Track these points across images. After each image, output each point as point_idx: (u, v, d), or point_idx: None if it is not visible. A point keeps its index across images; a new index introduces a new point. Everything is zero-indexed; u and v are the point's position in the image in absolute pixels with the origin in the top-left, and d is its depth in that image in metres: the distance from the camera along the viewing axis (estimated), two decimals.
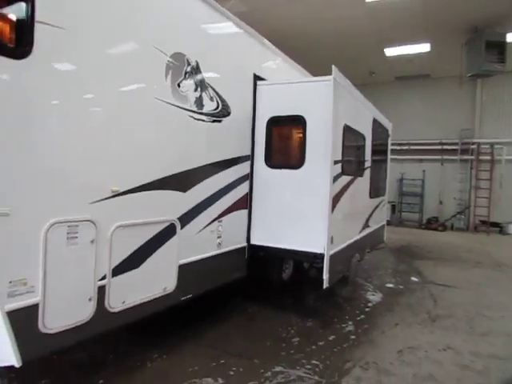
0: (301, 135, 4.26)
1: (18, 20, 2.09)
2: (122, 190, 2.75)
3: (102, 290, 2.64)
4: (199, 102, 3.54)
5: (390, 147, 7.76)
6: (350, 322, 4.51)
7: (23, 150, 2.13)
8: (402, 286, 6.10)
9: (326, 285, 4.06)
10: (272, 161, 4.41)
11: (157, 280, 3.14)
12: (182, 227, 3.37)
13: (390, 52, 11.41)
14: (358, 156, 5.38)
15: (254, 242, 4.50)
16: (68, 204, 2.39)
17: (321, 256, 4.08)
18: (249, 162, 4.45)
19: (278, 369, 3.35)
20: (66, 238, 2.37)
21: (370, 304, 5.22)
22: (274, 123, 4.40)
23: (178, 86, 3.27)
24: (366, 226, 5.97)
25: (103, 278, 2.65)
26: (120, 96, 2.73)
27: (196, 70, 3.47)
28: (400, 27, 9.60)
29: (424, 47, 10.92)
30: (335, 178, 4.21)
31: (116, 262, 2.74)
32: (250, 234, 4.51)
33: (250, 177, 4.47)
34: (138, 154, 2.91)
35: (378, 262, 7.63)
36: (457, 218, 13.27)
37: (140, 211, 2.94)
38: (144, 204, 2.97)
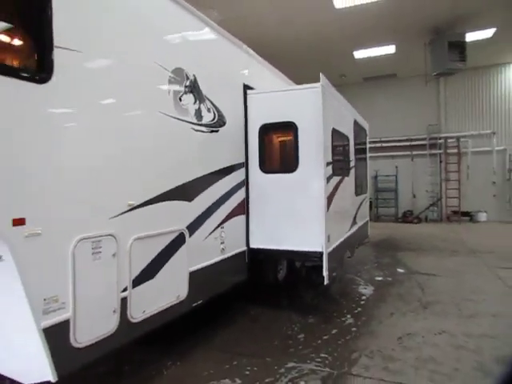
0: (293, 140, 4.46)
1: (38, 46, 2.15)
2: (136, 204, 2.84)
3: (124, 302, 2.71)
4: (198, 113, 3.67)
5: (368, 146, 8.14)
6: (349, 316, 4.74)
7: (51, 172, 2.19)
8: (390, 278, 6.43)
9: (326, 281, 4.27)
10: (266, 166, 4.59)
11: (171, 288, 3.24)
12: (190, 235, 3.48)
13: (358, 54, 11.91)
14: (345, 157, 5.66)
15: (253, 245, 4.65)
16: (91, 220, 2.46)
17: (320, 254, 4.28)
18: (244, 169, 4.61)
19: (290, 364, 3.52)
20: (91, 254, 2.44)
21: (364, 297, 5.49)
22: (266, 130, 4.58)
23: (180, 99, 3.38)
24: (354, 222, 6.26)
25: (125, 289, 2.72)
26: (131, 114, 2.83)
27: (194, 83, 3.60)
28: (367, 31, 10.07)
29: (390, 49, 11.49)
30: (328, 179, 4.44)
31: (135, 273, 2.82)
32: (248, 238, 4.66)
33: (245, 183, 4.62)
34: (148, 167, 3.00)
35: (364, 257, 7.97)
36: (430, 209, 13.97)
37: (153, 223, 3.03)
38: (156, 215, 3.06)
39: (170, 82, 3.25)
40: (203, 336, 4.12)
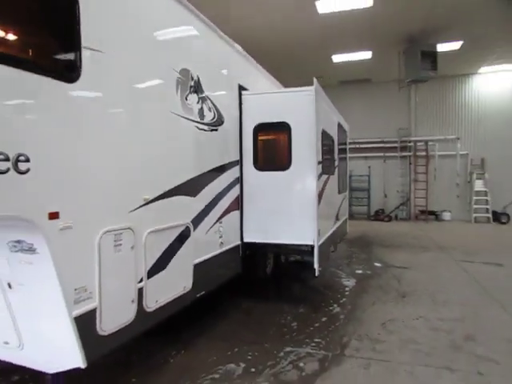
0: (286, 140, 4.71)
1: (67, 46, 2.26)
2: (151, 198, 2.98)
3: (140, 292, 2.86)
4: (201, 113, 3.84)
5: (348, 147, 8.56)
6: (336, 305, 5.07)
7: (80, 168, 2.31)
8: (369, 271, 6.85)
9: (317, 273, 4.56)
10: (260, 164, 4.82)
11: (179, 279, 3.40)
12: (194, 229, 3.65)
13: (336, 58, 12.36)
14: (331, 156, 5.99)
15: (247, 239, 4.87)
16: (114, 214, 2.59)
17: (311, 247, 4.57)
18: (238, 167, 4.81)
19: (288, 349, 3.78)
20: (113, 246, 2.57)
21: (347, 288, 5.85)
22: (261, 129, 4.81)
23: (186, 99, 3.54)
24: (337, 219, 6.62)
25: (141, 280, 2.87)
26: (147, 113, 2.96)
27: (198, 83, 3.76)
28: (347, 36, 10.50)
29: (367, 54, 12.02)
30: (318, 177, 4.73)
31: (149, 265, 2.97)
32: (242, 233, 4.87)
33: (240, 180, 4.82)
34: (160, 163, 3.14)
35: (343, 252, 8.38)
36: (400, 209, 14.72)
37: (164, 217, 3.18)
38: (166, 210, 3.21)
39: (178, 83, 3.40)
40: (202, 327, 4.30)
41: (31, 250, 2.14)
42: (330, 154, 5.93)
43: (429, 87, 13.71)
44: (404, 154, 14.80)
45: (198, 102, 3.78)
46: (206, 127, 3.93)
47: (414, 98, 14.54)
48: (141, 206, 2.86)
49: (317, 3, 8.40)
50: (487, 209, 13.61)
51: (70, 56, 2.27)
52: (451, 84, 14.34)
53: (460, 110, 14.44)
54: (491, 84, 14.08)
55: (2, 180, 1.81)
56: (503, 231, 11.97)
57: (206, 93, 3.94)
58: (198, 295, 3.74)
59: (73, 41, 2.25)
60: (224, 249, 4.37)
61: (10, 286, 2.34)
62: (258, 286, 5.74)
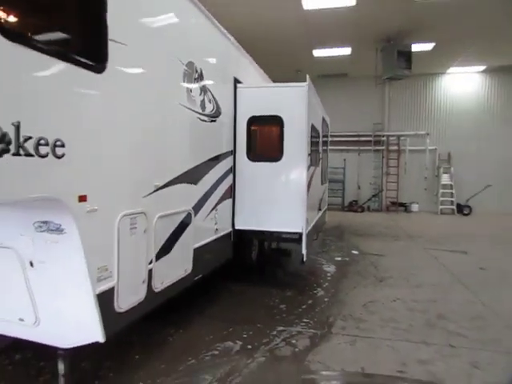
0: (279, 132, 4.94)
1: (97, 39, 2.36)
2: (160, 185, 3.13)
3: (150, 273, 3.02)
4: (203, 104, 3.98)
5: (329, 140, 8.92)
6: (319, 289, 5.42)
7: (105, 154, 2.44)
8: (347, 258, 7.28)
9: (305, 258, 4.86)
10: (253, 155, 5.02)
11: (181, 262, 3.58)
12: (195, 215, 3.82)
13: (317, 53, 12.66)
14: (317, 149, 6.28)
15: (238, 226, 5.09)
16: (130, 199, 2.73)
17: (300, 235, 4.86)
18: (232, 157, 4.99)
19: (279, 328, 4.07)
20: (129, 229, 2.72)
21: (328, 274, 6.23)
22: (254, 122, 5.00)
23: (190, 91, 3.68)
24: (319, 209, 6.96)
25: (150, 262, 3.03)
26: (160, 103, 3.10)
27: (200, 76, 3.90)
28: (329, 32, 10.81)
29: (346, 51, 12.40)
30: (307, 169, 5.00)
31: (157, 248, 3.13)
32: (234, 220, 5.08)
33: (233, 170, 5.01)
34: (168, 152, 3.29)
35: (320, 240, 8.78)
36: (372, 200, 15.40)
37: (170, 203, 3.34)
38: (172, 196, 3.37)
39: (185, 75, 3.53)
40: (197, 309, 4.50)
41: (58, 230, 2.26)
42: (316, 146, 6.23)
43: (402, 84, 14.32)
44: (377, 147, 15.44)
45: (200, 94, 3.92)
46: (206, 118, 4.09)
47: (387, 94, 15.16)
48: (152, 192, 3.01)
49: None
50: (452, 201, 14.54)
51: (99, 48, 2.37)
52: (422, 82, 15.05)
53: (430, 107, 15.21)
54: (458, 84, 14.93)
55: (42, 163, 1.93)
56: (466, 222, 12.87)
57: (207, 85, 4.08)
58: (196, 278, 3.94)
59: (102, 33, 2.35)
60: (219, 235, 4.58)
61: (31, 264, 2.44)
62: (245, 271, 5.98)
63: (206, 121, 4.08)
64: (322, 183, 7.13)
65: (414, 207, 15.02)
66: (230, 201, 4.96)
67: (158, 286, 3.16)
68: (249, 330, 4.00)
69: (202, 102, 3.97)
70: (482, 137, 14.59)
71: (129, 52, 2.63)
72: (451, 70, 14.47)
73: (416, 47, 11.18)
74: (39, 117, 1.92)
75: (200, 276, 4.04)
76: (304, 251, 4.85)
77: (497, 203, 14.21)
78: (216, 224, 4.49)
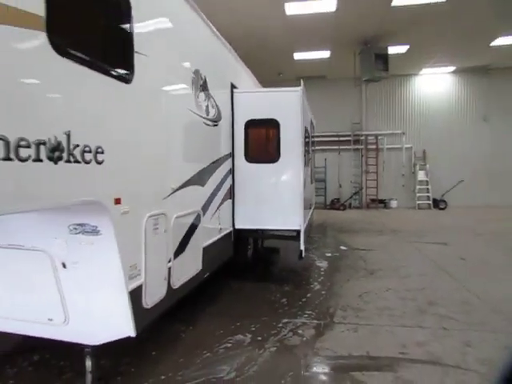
0: (275, 135, 5.17)
1: (126, 51, 2.51)
2: (176, 187, 3.29)
3: (169, 271, 3.18)
4: (207, 109, 4.16)
5: (316, 140, 9.25)
6: (316, 283, 5.69)
7: (134, 159, 2.59)
8: (337, 254, 7.61)
9: (303, 254, 5.11)
10: (251, 157, 5.23)
11: (193, 261, 3.75)
12: (203, 216, 3.99)
13: (297, 56, 13.03)
14: (308, 150, 6.56)
15: (238, 226, 5.28)
16: (154, 201, 2.89)
17: (298, 232, 5.11)
18: (231, 159, 5.18)
19: (284, 320, 4.29)
20: (153, 229, 2.87)
21: (322, 269, 6.51)
22: (251, 125, 5.21)
23: (197, 97, 3.85)
24: (310, 207, 7.25)
25: (169, 260, 3.19)
26: (176, 110, 3.27)
27: (205, 82, 4.07)
28: (309, 37, 11.18)
29: (325, 54, 12.83)
30: (303, 169, 5.27)
31: (175, 247, 3.29)
32: (234, 220, 5.27)
33: (232, 171, 5.20)
34: (181, 155, 3.45)
35: (309, 238, 9.08)
36: (353, 198, 15.93)
37: (184, 204, 3.50)
38: (186, 198, 3.54)
39: (193, 82, 3.70)
40: (201, 306, 4.66)
41: (94, 231, 2.39)
42: (308, 147, 6.51)
43: (378, 85, 14.90)
44: (357, 146, 15.99)
45: (204, 100, 4.09)
46: (210, 122, 4.27)
47: (365, 94, 15.73)
48: (170, 194, 3.17)
49: (286, 5, 8.89)
50: (428, 196, 15.26)
51: (128, 59, 2.52)
52: (397, 83, 15.72)
53: (405, 107, 15.90)
54: (430, 84, 15.71)
55: (87, 169, 2.07)
56: (442, 216, 13.57)
57: (210, 91, 4.26)
58: (205, 276, 4.11)
59: (130, 46, 2.50)
60: (222, 234, 4.76)
61: (64, 265, 2.55)
62: (242, 268, 6.17)
63: (209, 125, 4.26)
64: (311, 182, 7.42)
65: (393, 203, 15.65)
66: (230, 201, 5.15)
67: (176, 283, 3.32)
68: (256, 324, 4.19)
69: (207, 107, 4.14)
70: (454, 135, 15.40)
71: (149, 62, 2.78)
72: (424, 71, 15.21)
73: (391, 50, 11.74)
74: (84, 125, 2.06)
75: (208, 274, 4.21)
76: (302, 247, 5.10)
77: (469, 197, 15.03)
78: (219, 224, 4.67)
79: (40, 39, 1.77)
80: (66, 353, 3.38)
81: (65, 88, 1.94)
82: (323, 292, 5.29)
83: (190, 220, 3.65)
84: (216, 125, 4.48)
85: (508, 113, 15.23)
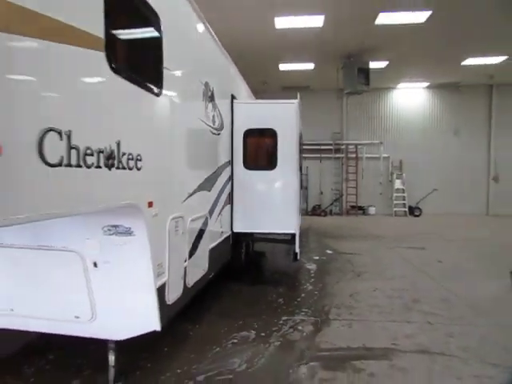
0: (273, 143, 5.48)
1: (158, 67, 2.76)
2: (191, 192, 3.53)
3: (185, 271, 3.40)
4: (213, 119, 4.43)
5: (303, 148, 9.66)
6: (308, 284, 6.01)
7: (162, 166, 2.82)
8: (324, 257, 7.97)
9: (298, 257, 5.42)
10: (250, 164, 5.52)
11: (202, 261, 3.98)
12: (209, 219, 4.23)
13: (283, 67, 13.49)
14: (300, 157, 6.90)
15: (236, 230, 5.54)
16: (175, 204, 3.12)
17: (293, 235, 5.42)
18: (230, 166, 5.45)
19: (284, 318, 4.57)
20: (174, 230, 3.09)
21: (312, 271, 6.85)
22: (250, 134, 5.51)
23: (206, 107, 4.11)
24: (299, 212, 7.59)
25: (185, 260, 3.41)
26: (193, 120, 3.51)
27: (212, 93, 4.34)
28: (296, 49, 11.65)
29: (310, 66, 13.36)
30: (298, 176, 5.60)
31: (190, 248, 3.52)
32: (232, 224, 5.53)
33: (231, 178, 5.47)
34: (194, 162, 3.70)
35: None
36: (334, 204, 16.47)
37: (196, 208, 3.74)
38: (197, 202, 3.77)
39: (203, 94, 3.96)
40: (204, 306, 4.86)
41: (128, 232, 2.60)
42: (300, 155, 6.85)
43: (359, 97, 15.47)
44: (337, 155, 16.58)
45: (211, 110, 4.35)
46: (215, 131, 4.53)
47: (346, 105, 16.39)
48: (187, 198, 3.41)
49: (276, 19, 9.29)
50: (404, 204, 16.00)
51: (159, 73, 2.76)
52: (376, 96, 16.46)
53: (383, 118, 16.68)
54: (407, 98, 16.57)
55: (130, 175, 2.29)
56: (417, 222, 14.29)
57: (216, 101, 4.53)
58: (210, 276, 4.34)
59: (160, 61, 2.75)
60: (223, 237, 5.00)
61: (95, 264, 2.73)
62: (237, 271, 6.40)
63: (215, 134, 4.52)
64: (301, 188, 7.77)
65: (372, 210, 16.30)
66: (229, 206, 5.40)
67: (190, 282, 3.54)
68: (257, 321, 4.45)
69: (213, 116, 4.41)
70: (428, 145, 16.27)
71: (172, 75, 3.03)
72: (401, 85, 16.05)
73: (372, 65, 12.38)
74: (129, 135, 2.29)
75: (212, 275, 4.44)
76: (297, 250, 5.42)
77: (442, 205, 15.87)
78: (221, 227, 4.91)
79: (100, 58, 2.00)
80: (80, 351, 3.52)
81: (117, 101, 2.17)
82: (316, 292, 5.61)
83: (201, 223, 3.89)
84: (219, 133, 4.75)
85: (476, 126, 16.28)
